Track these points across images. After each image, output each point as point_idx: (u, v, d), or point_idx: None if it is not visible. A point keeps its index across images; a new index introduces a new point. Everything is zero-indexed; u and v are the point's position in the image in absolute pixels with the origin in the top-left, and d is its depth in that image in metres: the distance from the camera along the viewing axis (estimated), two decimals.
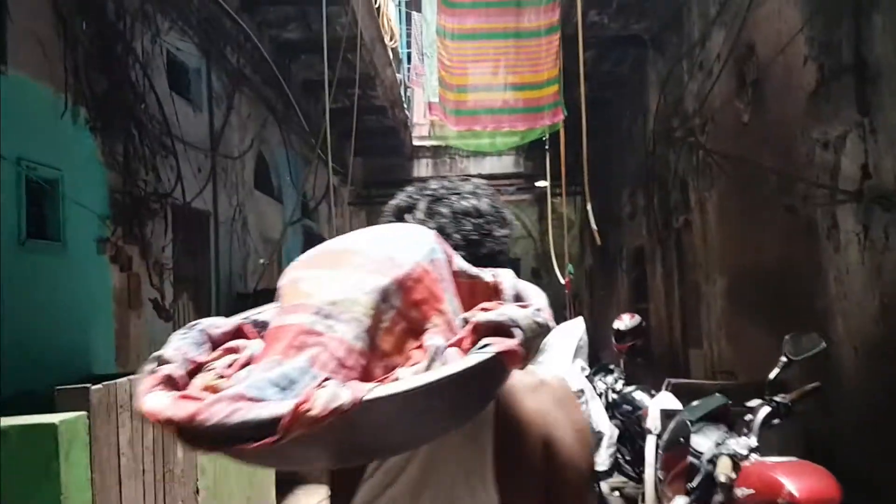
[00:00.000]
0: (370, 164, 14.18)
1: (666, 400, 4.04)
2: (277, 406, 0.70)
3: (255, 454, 0.71)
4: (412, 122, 13.29)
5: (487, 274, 0.93)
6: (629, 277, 10.08)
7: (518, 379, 0.98)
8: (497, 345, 0.77)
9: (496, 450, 0.96)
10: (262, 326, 0.93)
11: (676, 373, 7.93)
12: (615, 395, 5.44)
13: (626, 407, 5.25)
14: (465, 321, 0.85)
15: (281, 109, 8.07)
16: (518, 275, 0.95)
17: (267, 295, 5.53)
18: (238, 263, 6.44)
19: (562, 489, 0.98)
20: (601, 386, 5.53)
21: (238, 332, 0.93)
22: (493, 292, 0.92)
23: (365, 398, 0.71)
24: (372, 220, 13.62)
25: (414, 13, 11.08)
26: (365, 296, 0.80)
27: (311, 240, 9.36)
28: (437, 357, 0.79)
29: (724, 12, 5.78)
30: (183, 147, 5.21)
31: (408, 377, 0.75)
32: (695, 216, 6.97)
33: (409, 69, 11.50)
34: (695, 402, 3.65)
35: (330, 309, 0.79)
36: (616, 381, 5.57)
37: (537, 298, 0.89)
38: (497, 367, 0.78)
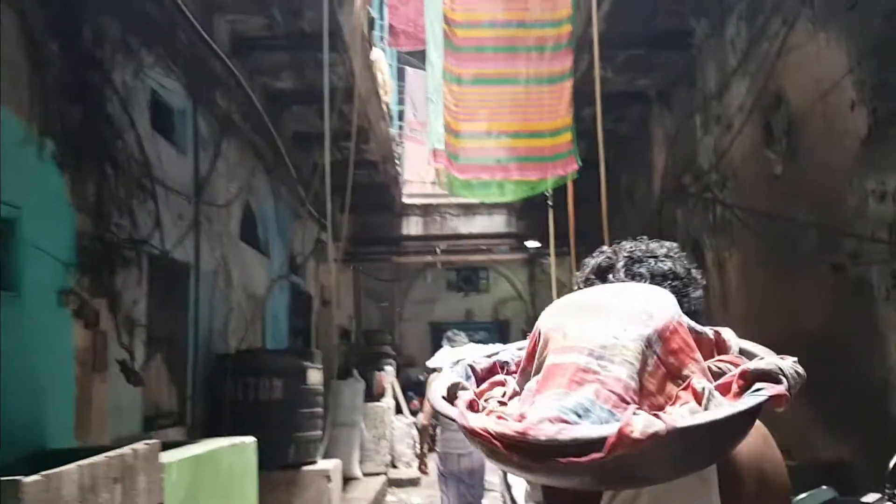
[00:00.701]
0: (359, 220, 13.69)
1: None
2: (602, 428, 0.84)
3: (572, 468, 0.84)
4: (403, 179, 12.93)
5: (708, 330, 1.07)
6: None
7: None
8: (769, 389, 0.91)
9: (721, 483, 1.05)
10: (503, 365, 1.13)
11: None
12: None
13: None
14: (715, 371, 0.99)
15: (270, 159, 7.63)
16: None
17: (249, 356, 4.82)
18: (219, 321, 5.86)
19: None
20: None
21: (493, 369, 1.12)
22: (716, 346, 1.06)
23: (679, 426, 0.84)
24: (358, 277, 13.07)
25: (407, 68, 10.84)
26: (632, 342, 0.93)
27: (298, 297, 8.80)
28: (711, 398, 0.92)
29: (747, 62, 5.48)
30: (164, 191, 4.71)
31: (688, 415, 0.88)
32: (711, 279, 6.53)
33: (400, 126, 11.19)
34: (801, 496, 3.13)
35: (602, 352, 0.92)
36: None
37: (769, 353, 1.02)
38: (761, 410, 0.91)
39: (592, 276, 1.24)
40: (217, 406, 5.28)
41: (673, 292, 1.11)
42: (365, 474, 9.63)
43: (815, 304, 4.60)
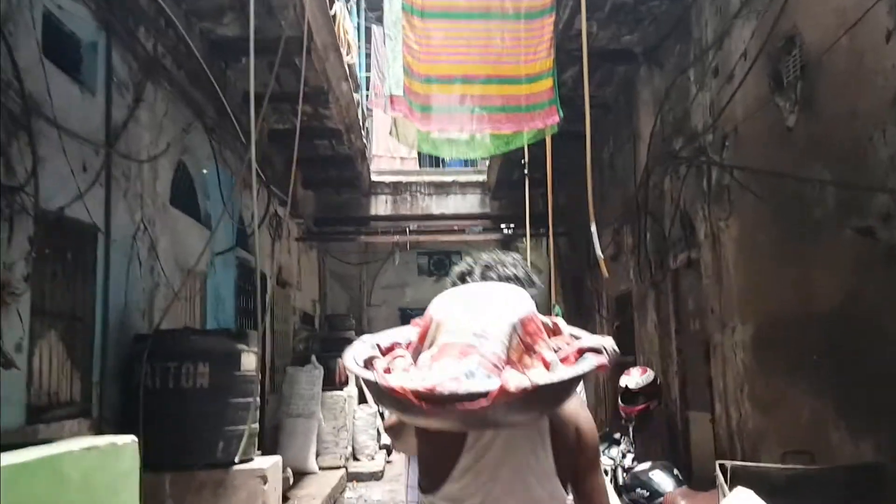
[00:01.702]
0: (323, 197, 12.89)
1: (746, 499, 2.77)
2: (485, 383, 1.26)
3: (465, 413, 1.25)
4: (371, 153, 12.11)
5: (548, 319, 1.52)
6: (610, 327, 8.89)
7: None
8: (595, 359, 1.40)
9: (551, 432, 1.53)
10: (398, 343, 1.53)
11: (674, 441, 6.71)
12: (625, 475, 4.18)
13: (642, 491, 3.97)
14: (557, 347, 1.44)
15: (213, 118, 6.78)
16: None
17: (171, 337, 3.50)
18: (140, 296, 5.03)
19: (586, 459, 1.58)
20: (606, 462, 4.29)
21: (392, 347, 1.52)
22: (553, 331, 1.51)
23: (538, 384, 1.27)
24: (323, 259, 12.22)
25: (374, 27, 9.98)
26: (503, 326, 1.38)
27: (247, 275, 7.98)
28: (555, 366, 1.36)
29: (752, 2, 4.76)
30: (56, 134, 3.87)
31: (543, 375, 1.32)
32: (703, 252, 5.84)
33: (367, 97, 10.35)
34: (723, 500, 2.44)
35: (481, 332, 1.36)
36: (624, 455, 4.33)
37: (590, 334, 1.51)
38: (591, 373, 1.41)
39: (457, 280, 1.70)
40: (131, 395, 4.48)
41: None
42: (322, 468, 8.86)
43: (832, 277, 3.90)
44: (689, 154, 5.95)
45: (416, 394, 1.25)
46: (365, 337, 1.53)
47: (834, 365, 3.91)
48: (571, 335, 1.50)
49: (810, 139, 4.09)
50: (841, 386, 3.84)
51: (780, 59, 4.45)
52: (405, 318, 15.79)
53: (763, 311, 4.87)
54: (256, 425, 4.95)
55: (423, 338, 1.43)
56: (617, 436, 4.66)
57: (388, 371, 1.38)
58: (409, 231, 12.06)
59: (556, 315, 6.36)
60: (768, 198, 4.61)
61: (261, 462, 4.89)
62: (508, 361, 1.33)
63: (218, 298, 6.97)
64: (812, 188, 4.02)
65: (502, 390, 1.23)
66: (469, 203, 13.17)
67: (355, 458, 9.78)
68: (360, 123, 10.50)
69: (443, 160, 13.78)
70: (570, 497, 1.57)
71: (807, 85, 4.12)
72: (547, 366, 1.34)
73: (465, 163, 13.50)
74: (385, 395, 1.33)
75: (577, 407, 1.59)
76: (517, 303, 1.43)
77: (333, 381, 10.13)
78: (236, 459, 4.64)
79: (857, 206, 3.65)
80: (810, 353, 4.12)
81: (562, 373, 1.33)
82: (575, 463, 1.55)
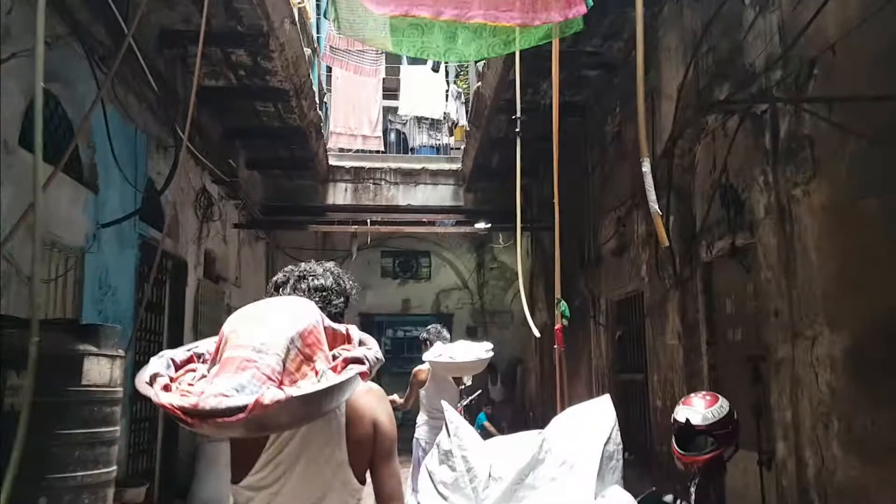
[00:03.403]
0: (271, 182, 11.18)
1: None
2: (245, 398, 1.39)
3: (229, 425, 1.39)
4: (328, 132, 10.44)
5: (342, 327, 1.69)
6: (610, 337, 7.33)
7: (359, 387, 1.64)
8: (357, 369, 1.56)
9: (346, 426, 1.72)
10: (199, 356, 1.66)
11: (704, 489, 5.11)
12: None
13: None
14: (335, 356, 1.60)
15: (107, 45, 5.06)
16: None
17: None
18: None
19: (382, 448, 1.76)
20: None
21: (190, 360, 1.64)
22: (346, 338, 1.68)
23: (291, 396, 1.41)
24: (273, 255, 10.45)
25: None
26: (280, 341, 1.51)
27: (150, 258, 6.23)
28: (324, 375, 1.53)
29: None
30: None
31: (309, 385, 1.48)
32: (762, 234, 4.29)
33: (324, 51, 8.73)
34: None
35: (260, 347, 1.48)
36: None
37: (373, 343, 1.68)
38: (355, 380, 1.55)
39: (272, 289, 1.89)
40: None
41: (321, 301, 1.83)
42: None
43: None
44: (750, 98, 4.41)
45: (183, 410, 1.40)
46: (164, 352, 1.64)
47: None
48: (360, 342, 1.68)
49: None
50: None
51: None
52: (366, 324, 14.06)
53: (867, 314, 3.32)
54: (112, 470, 3.23)
55: (216, 351, 1.56)
56: (668, 499, 3.11)
57: (167, 388, 1.50)
58: (371, 222, 10.41)
59: (562, 311, 4.64)
60: (887, 141, 3.07)
61: None
62: (285, 372, 1.49)
63: (104, 286, 5.23)
64: None
65: (257, 404, 1.38)
66: (440, 195, 11.56)
67: None
68: (315, 92, 8.84)
69: (410, 145, 12.17)
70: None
71: None
72: (318, 374, 1.53)
73: (437, 149, 11.92)
74: (165, 411, 1.45)
75: (372, 402, 1.78)
76: (299, 318, 1.58)
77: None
78: None
79: None
80: None
81: (323, 383, 1.49)
82: (372, 453, 1.75)
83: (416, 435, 6.04)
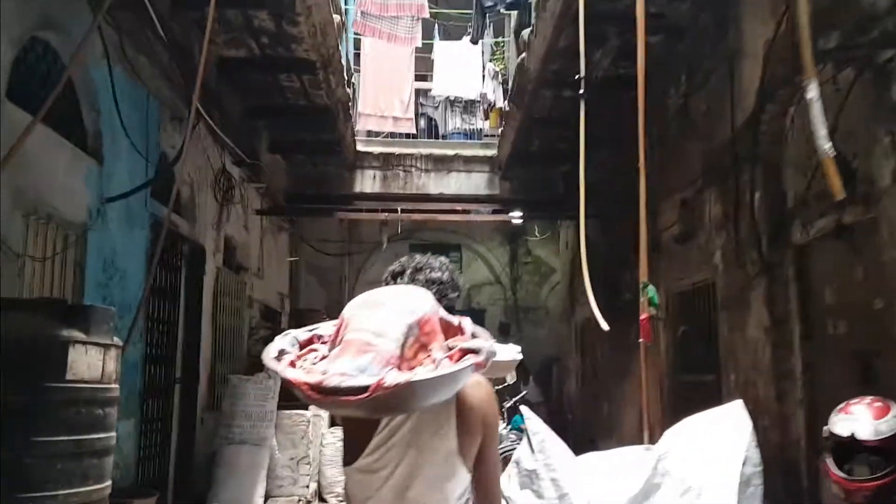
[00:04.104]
0: (296, 169, 10.54)
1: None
2: (367, 379, 1.44)
3: (349, 404, 1.46)
4: (356, 114, 9.78)
5: (455, 319, 1.69)
6: (671, 334, 6.59)
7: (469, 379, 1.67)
8: (472, 359, 1.56)
9: (456, 417, 1.71)
10: (320, 337, 1.72)
11: None
12: None
13: None
14: (450, 347, 1.61)
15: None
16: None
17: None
18: None
19: (486, 443, 1.77)
20: None
21: (311, 340, 1.72)
22: (458, 330, 1.68)
23: (411, 380, 1.46)
24: (297, 246, 9.82)
25: None
26: (399, 327, 1.55)
27: (173, 243, 5.64)
28: (441, 364, 1.54)
29: None
30: None
31: (425, 372, 1.50)
32: (887, 206, 3.56)
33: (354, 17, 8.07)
34: None
35: (380, 332, 1.53)
36: None
37: (487, 335, 1.69)
38: (470, 370, 1.56)
39: (389, 278, 1.90)
40: None
41: (437, 294, 1.80)
42: None
43: None
44: (861, 54, 3.68)
45: (308, 385, 1.47)
46: (288, 331, 1.74)
47: None
48: (472, 335, 1.68)
49: None
50: None
51: None
52: None
53: None
54: (105, 486, 2.59)
55: (336, 333, 1.61)
56: None
57: (292, 364, 1.59)
58: (401, 211, 9.74)
59: (650, 297, 3.96)
60: None
61: None
62: (402, 358, 1.52)
63: (110, 269, 4.61)
64: None
65: (379, 385, 1.43)
66: (474, 183, 10.85)
67: (321, 500, 7.40)
68: (343, 66, 8.19)
69: (441, 132, 11.49)
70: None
71: None
72: (434, 363, 1.55)
73: (470, 135, 11.22)
74: (291, 386, 1.53)
75: (483, 396, 1.79)
76: (417, 305, 1.62)
77: (296, 395, 7.75)
78: None
79: None
80: None
81: (440, 370, 1.52)
82: (478, 445, 1.75)
83: None
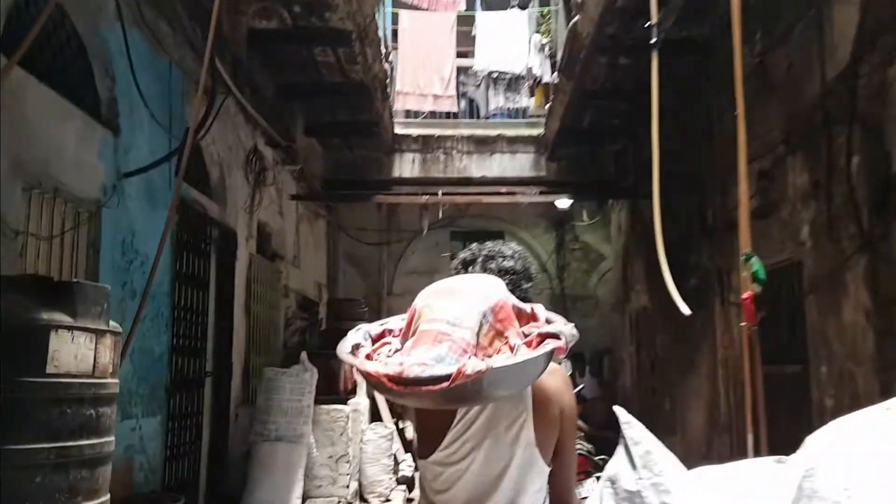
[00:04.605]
0: (332, 154, 10.13)
1: None
2: (447, 368, 1.42)
3: (429, 394, 1.42)
4: (394, 93, 9.29)
5: (527, 306, 1.67)
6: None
7: None
8: (552, 344, 1.55)
9: (533, 408, 1.69)
10: (390, 331, 1.73)
11: None
12: None
13: None
14: (526, 333, 1.60)
15: None
16: None
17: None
18: None
19: (565, 434, 1.74)
20: None
21: (382, 334, 1.72)
22: (531, 317, 1.66)
23: (492, 367, 1.42)
24: (334, 235, 9.33)
25: None
26: (473, 315, 1.53)
27: (196, 225, 5.25)
28: (519, 350, 1.53)
29: None
30: None
31: (504, 359, 1.49)
32: None
33: None
34: None
35: (454, 321, 1.51)
36: None
37: (562, 320, 1.67)
38: (550, 356, 1.55)
39: (460, 267, 1.88)
40: None
41: (511, 284, 1.75)
42: None
43: None
44: None
45: (388, 377, 1.44)
46: (359, 325, 1.75)
47: None
48: (546, 320, 1.65)
49: None
50: None
51: None
52: None
53: None
54: (102, 501, 2.14)
55: (408, 325, 1.61)
56: None
57: (370, 357, 1.59)
58: (441, 195, 9.23)
59: (754, 271, 3.47)
60: None
61: None
62: (478, 346, 1.50)
63: (130, 252, 4.20)
64: None
65: (460, 373, 1.39)
66: (519, 164, 10.29)
67: (362, 500, 6.96)
68: (381, 39, 7.70)
69: (482, 114, 10.92)
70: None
71: None
72: (512, 350, 1.53)
73: (513, 114, 10.64)
74: (368, 379, 1.53)
75: (560, 386, 1.76)
76: (490, 293, 1.60)
77: (334, 388, 7.34)
78: None
79: None
80: None
81: (519, 356, 1.50)
82: (556, 436, 1.73)
83: None
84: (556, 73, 8.07)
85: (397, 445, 7.88)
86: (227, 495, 5.86)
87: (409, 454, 8.29)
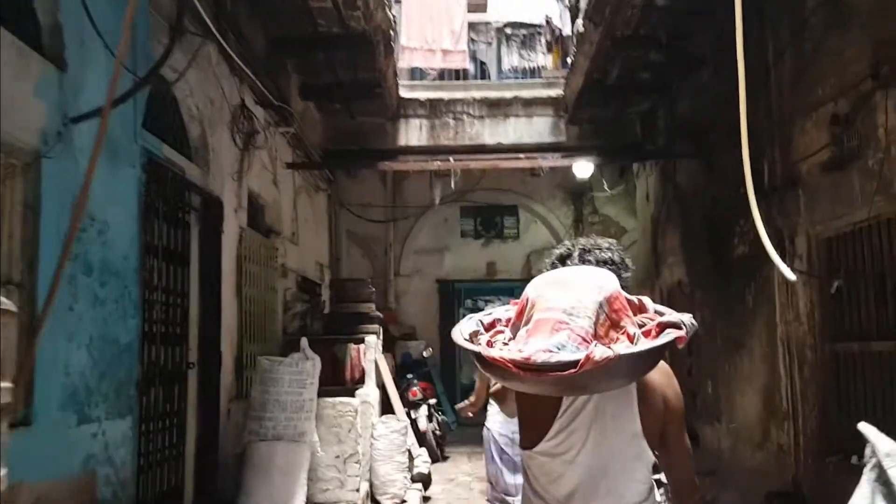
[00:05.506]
0: (331, 121, 9.26)
1: None
2: (574, 354, 1.47)
3: (556, 379, 1.48)
4: (399, 49, 8.40)
5: (635, 298, 1.71)
6: (817, 291, 5.12)
7: None
8: (674, 333, 1.58)
9: (638, 399, 1.73)
10: (499, 320, 1.80)
11: None
12: None
13: None
14: (641, 323, 1.65)
15: None
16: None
17: None
18: None
19: (672, 424, 1.78)
20: None
21: (493, 324, 1.78)
22: (640, 308, 1.71)
23: (620, 353, 1.47)
24: (336, 211, 8.23)
25: None
26: (590, 304, 1.57)
27: (169, 186, 4.41)
28: (638, 339, 1.57)
29: None
30: None
31: (624, 348, 1.52)
32: None
33: None
34: None
35: (571, 310, 1.55)
36: None
37: (673, 311, 1.68)
38: (669, 345, 1.56)
39: (556, 262, 1.91)
40: None
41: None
42: None
43: None
44: None
45: (515, 363, 1.50)
46: (472, 315, 1.85)
47: None
48: (656, 311, 1.70)
49: None
50: None
51: None
52: (444, 292, 12.17)
53: None
54: None
55: (520, 315, 1.66)
56: None
57: (490, 345, 1.64)
58: (454, 160, 8.39)
59: None
60: None
61: None
62: (595, 335, 1.54)
63: (87, 219, 3.37)
64: None
65: (588, 359, 1.44)
66: (536, 129, 9.42)
67: (374, 503, 6.19)
68: None
69: (498, 71, 10.02)
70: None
71: None
72: (630, 339, 1.56)
73: (529, 73, 9.76)
74: (489, 365, 1.58)
75: (664, 378, 1.78)
76: (604, 283, 1.64)
77: (340, 377, 6.56)
78: None
79: None
80: None
81: (642, 345, 1.54)
82: (662, 427, 1.76)
83: (486, 423, 4.94)
84: (579, 21, 7.18)
85: (412, 440, 7.11)
86: (220, 502, 5.08)
87: (424, 448, 7.54)
